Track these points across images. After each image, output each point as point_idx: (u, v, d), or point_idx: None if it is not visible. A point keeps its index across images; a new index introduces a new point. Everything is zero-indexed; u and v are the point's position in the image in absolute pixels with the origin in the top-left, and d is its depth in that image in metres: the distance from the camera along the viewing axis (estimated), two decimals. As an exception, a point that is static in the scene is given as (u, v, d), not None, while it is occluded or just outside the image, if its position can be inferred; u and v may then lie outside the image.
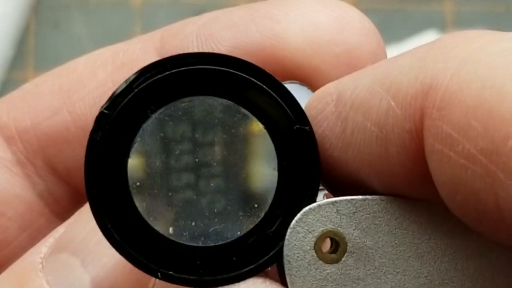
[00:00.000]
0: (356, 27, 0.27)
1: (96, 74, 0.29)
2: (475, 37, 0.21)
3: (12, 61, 0.85)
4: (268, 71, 0.24)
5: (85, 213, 0.27)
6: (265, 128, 0.24)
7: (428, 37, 0.96)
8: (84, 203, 0.28)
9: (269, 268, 0.24)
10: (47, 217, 0.30)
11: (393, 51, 0.93)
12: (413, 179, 0.22)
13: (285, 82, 0.25)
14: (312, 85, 0.27)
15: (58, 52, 0.88)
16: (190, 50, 0.28)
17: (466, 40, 0.21)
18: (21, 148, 0.30)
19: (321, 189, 0.25)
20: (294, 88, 0.25)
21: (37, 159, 0.30)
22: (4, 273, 0.27)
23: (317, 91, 0.25)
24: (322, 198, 0.24)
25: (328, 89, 0.24)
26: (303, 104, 0.24)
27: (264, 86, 0.23)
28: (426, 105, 0.21)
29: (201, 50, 0.28)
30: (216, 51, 0.28)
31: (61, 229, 0.27)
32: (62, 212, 0.31)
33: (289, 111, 0.24)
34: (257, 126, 0.24)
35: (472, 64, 0.20)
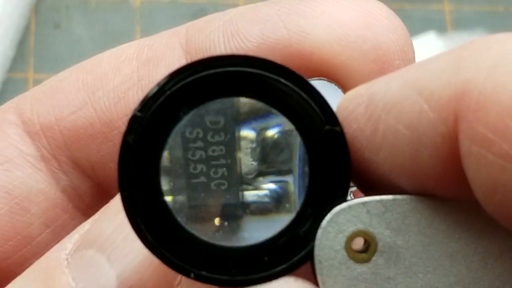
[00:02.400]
0: (384, 23, 0.27)
1: (120, 69, 0.29)
2: (507, 39, 0.21)
3: (12, 61, 0.85)
4: (298, 72, 0.24)
5: (111, 210, 0.27)
6: (296, 128, 0.24)
7: (428, 37, 0.96)
8: (109, 199, 0.28)
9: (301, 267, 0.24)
10: (70, 213, 0.30)
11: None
12: (444, 180, 0.23)
13: (312, 78, 0.25)
14: (339, 82, 0.27)
15: (58, 52, 0.88)
16: (217, 46, 0.28)
17: (498, 42, 0.21)
18: (45, 144, 0.30)
19: (351, 187, 0.25)
20: (321, 85, 0.25)
21: (61, 154, 0.30)
22: (29, 270, 0.27)
23: (348, 93, 0.25)
24: (349, 196, 0.24)
25: (359, 91, 0.24)
26: (331, 101, 0.24)
27: (295, 87, 0.24)
28: (460, 108, 0.21)
29: (227, 46, 0.28)
30: (243, 47, 0.28)
31: (86, 225, 0.27)
32: (86, 207, 0.31)
33: (319, 112, 0.24)
34: (288, 127, 0.24)
35: (505, 65, 0.20)
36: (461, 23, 1.00)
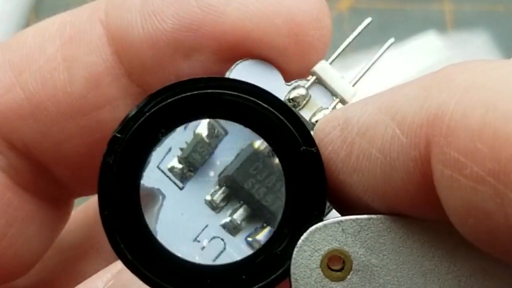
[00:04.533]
0: None
1: (45, 49, 0.29)
2: (477, 66, 0.22)
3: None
4: (274, 94, 0.24)
5: None
6: (273, 149, 0.24)
7: (428, 37, 0.96)
8: (48, 175, 0.30)
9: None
10: (13, 190, 0.30)
11: (393, 51, 0.93)
12: (417, 203, 0.23)
13: (244, 60, 0.26)
14: (265, 59, 0.27)
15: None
16: (134, 27, 0.27)
17: (468, 69, 0.22)
18: None
19: (328, 207, 0.25)
20: (254, 65, 0.25)
21: None
22: None
23: (326, 116, 0.25)
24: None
25: (336, 113, 0.25)
26: (267, 81, 0.25)
27: (271, 109, 0.24)
28: (432, 133, 0.21)
29: (144, 27, 0.27)
30: (160, 28, 0.27)
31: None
32: (27, 184, 0.31)
33: (296, 133, 0.24)
34: (264, 147, 0.24)
35: (474, 91, 0.21)
36: (461, 23, 1.00)
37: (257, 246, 0.25)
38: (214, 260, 0.24)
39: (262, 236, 0.25)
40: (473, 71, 0.22)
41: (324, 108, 0.27)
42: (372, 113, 0.23)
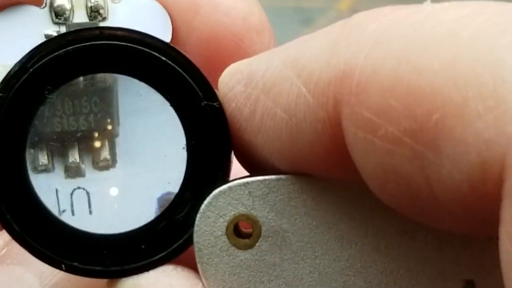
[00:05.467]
0: None
1: None
2: (387, 13, 0.20)
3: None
4: (170, 44, 0.22)
5: None
6: (171, 105, 0.22)
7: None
8: None
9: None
10: None
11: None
12: (328, 167, 0.21)
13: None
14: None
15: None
16: None
17: (378, 18, 0.20)
18: None
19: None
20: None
21: None
22: None
23: (229, 67, 0.23)
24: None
25: (239, 66, 0.22)
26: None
27: (168, 60, 0.22)
28: (341, 92, 0.19)
29: None
30: None
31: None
32: None
33: (195, 86, 0.22)
34: (162, 103, 0.22)
35: (384, 42, 0.19)
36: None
37: (156, 213, 0.22)
38: (110, 228, 0.22)
39: (162, 201, 0.22)
40: (384, 20, 0.19)
41: None
42: (277, 68, 0.21)
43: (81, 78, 0.22)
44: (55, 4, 0.23)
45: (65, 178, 0.23)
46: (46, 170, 0.22)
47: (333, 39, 0.20)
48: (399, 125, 0.18)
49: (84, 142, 0.23)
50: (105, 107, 0.22)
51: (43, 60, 0.22)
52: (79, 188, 0.22)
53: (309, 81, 0.20)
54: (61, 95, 0.22)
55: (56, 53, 0.22)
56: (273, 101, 0.21)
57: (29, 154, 0.22)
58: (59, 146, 0.22)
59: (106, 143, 0.23)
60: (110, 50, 0.22)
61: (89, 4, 0.23)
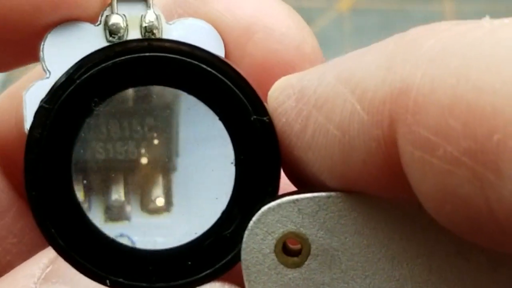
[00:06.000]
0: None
1: None
2: (444, 30, 0.19)
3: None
4: (220, 56, 0.22)
5: None
6: (220, 119, 0.22)
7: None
8: None
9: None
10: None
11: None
12: (381, 186, 0.20)
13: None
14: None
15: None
16: None
17: (435, 34, 0.19)
18: None
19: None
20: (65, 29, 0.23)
21: None
22: None
23: (280, 80, 0.23)
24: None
25: (290, 80, 0.22)
26: (85, 39, 0.22)
27: (217, 73, 0.22)
28: (397, 110, 0.19)
29: None
30: None
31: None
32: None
33: (245, 100, 0.22)
34: (211, 117, 0.22)
35: (442, 59, 0.18)
36: (462, 23, 0.99)
37: (204, 229, 0.22)
38: (156, 244, 0.22)
39: (210, 217, 0.22)
40: (441, 36, 0.19)
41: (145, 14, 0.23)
42: (330, 84, 0.21)
43: (131, 93, 0.22)
44: (110, 23, 0.23)
45: (105, 221, 0.22)
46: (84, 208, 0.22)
47: (388, 55, 0.20)
48: (458, 145, 0.18)
49: (131, 175, 0.22)
50: (161, 132, 0.22)
51: (90, 72, 0.21)
52: (121, 235, 0.22)
53: (364, 98, 0.20)
54: (107, 114, 0.21)
55: (104, 65, 0.21)
56: (326, 117, 0.21)
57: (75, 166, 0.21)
58: (100, 179, 0.22)
59: (160, 179, 0.22)
60: (158, 62, 0.21)
61: (144, 24, 0.23)
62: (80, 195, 0.22)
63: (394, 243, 0.21)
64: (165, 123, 0.22)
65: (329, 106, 0.21)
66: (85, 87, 0.21)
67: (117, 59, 0.21)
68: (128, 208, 0.22)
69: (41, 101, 0.21)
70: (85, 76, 0.21)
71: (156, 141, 0.22)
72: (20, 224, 0.26)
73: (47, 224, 0.21)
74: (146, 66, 0.21)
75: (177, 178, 0.22)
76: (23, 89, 0.22)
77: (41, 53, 0.23)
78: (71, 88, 0.21)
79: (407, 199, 0.20)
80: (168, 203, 0.22)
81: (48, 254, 0.25)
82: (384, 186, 0.21)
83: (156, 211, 0.22)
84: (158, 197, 0.22)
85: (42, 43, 0.22)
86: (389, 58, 0.20)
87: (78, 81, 0.21)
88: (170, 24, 0.23)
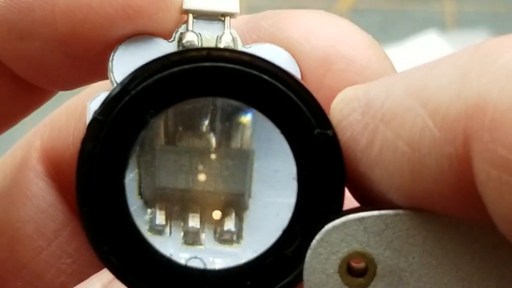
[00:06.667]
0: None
1: None
2: None
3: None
4: (282, 67, 0.21)
5: None
6: (282, 132, 0.21)
7: (428, 37, 0.95)
8: None
9: None
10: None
11: (393, 50, 0.91)
12: (452, 205, 0.19)
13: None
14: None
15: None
16: None
17: (510, 48, 0.18)
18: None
19: None
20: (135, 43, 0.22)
21: None
22: None
23: (344, 91, 0.21)
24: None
25: (356, 92, 0.21)
26: (154, 51, 0.22)
27: (279, 84, 0.20)
28: (472, 127, 0.18)
29: None
30: None
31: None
32: None
33: (308, 113, 0.21)
34: (273, 130, 0.21)
35: None
36: (462, 24, 0.99)
37: (264, 247, 0.21)
38: (214, 263, 0.21)
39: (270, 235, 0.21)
40: None
41: (221, 34, 0.23)
42: (399, 97, 0.20)
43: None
44: (184, 40, 0.22)
45: (181, 244, 0.21)
46: (161, 232, 0.21)
47: (462, 68, 0.19)
48: None
49: (207, 206, 0.21)
50: (236, 171, 0.21)
51: (146, 82, 0.20)
52: (196, 257, 0.21)
53: (436, 114, 0.19)
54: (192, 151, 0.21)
55: (160, 75, 0.20)
56: (394, 132, 0.20)
57: (144, 212, 0.21)
58: (179, 206, 0.21)
59: (233, 214, 0.21)
60: (218, 72, 0.20)
61: (219, 45, 0.22)
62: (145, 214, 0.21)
63: (465, 264, 0.20)
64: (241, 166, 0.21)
65: (398, 121, 0.20)
66: (140, 98, 0.20)
67: (174, 69, 0.20)
68: (203, 236, 0.22)
69: (94, 112, 0.20)
70: (140, 86, 0.20)
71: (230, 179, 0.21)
72: (75, 244, 0.25)
73: (99, 241, 0.20)
74: (204, 76, 0.20)
75: (249, 215, 0.21)
76: (81, 105, 0.21)
77: (110, 63, 0.22)
78: (125, 99, 0.20)
79: (479, 219, 0.20)
80: (239, 236, 0.22)
81: (101, 279, 0.24)
82: (455, 205, 0.20)
83: (228, 241, 0.22)
84: (229, 229, 0.22)
85: (112, 54, 0.21)
86: (463, 72, 0.19)
87: (132, 92, 0.20)
88: (247, 48, 0.22)
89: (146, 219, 0.21)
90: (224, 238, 0.21)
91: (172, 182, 0.21)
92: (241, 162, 0.21)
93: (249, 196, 0.21)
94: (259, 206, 0.21)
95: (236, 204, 0.21)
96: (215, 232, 0.22)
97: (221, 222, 0.21)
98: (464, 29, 0.97)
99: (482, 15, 1.00)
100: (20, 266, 0.29)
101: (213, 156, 0.21)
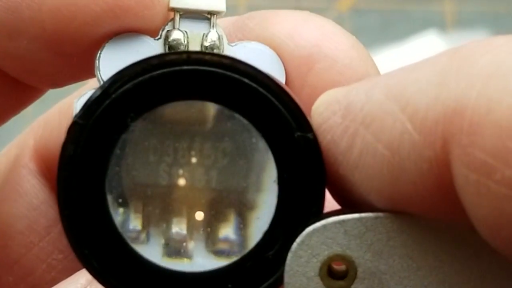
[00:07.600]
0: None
1: None
2: (501, 45, 0.18)
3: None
4: (262, 70, 0.21)
5: None
6: (262, 135, 0.21)
7: (428, 37, 0.94)
8: None
9: None
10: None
11: (393, 51, 0.91)
12: (431, 208, 0.20)
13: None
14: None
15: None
16: None
17: (491, 49, 0.18)
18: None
19: None
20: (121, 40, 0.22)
21: None
22: None
23: (324, 95, 0.21)
24: None
25: (337, 95, 0.21)
26: (142, 49, 0.22)
27: (259, 88, 0.21)
28: (451, 131, 0.18)
29: None
30: None
31: None
32: None
33: (288, 116, 0.21)
34: (252, 133, 0.21)
35: (499, 77, 0.17)
36: (462, 24, 0.98)
37: (244, 251, 0.21)
38: (195, 266, 0.21)
39: (251, 238, 0.21)
40: (497, 52, 0.18)
41: (207, 32, 0.23)
42: (379, 100, 0.20)
43: (198, 107, 0.20)
44: (171, 38, 0.22)
45: (162, 256, 0.21)
46: (137, 239, 0.20)
47: (440, 71, 0.19)
48: None
49: (197, 207, 0.21)
50: (240, 160, 0.21)
51: (126, 86, 0.20)
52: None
53: (415, 118, 0.19)
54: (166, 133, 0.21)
55: (141, 78, 0.20)
56: (374, 136, 0.20)
57: (115, 211, 0.20)
58: (159, 207, 0.21)
59: (233, 216, 0.21)
60: (198, 75, 0.20)
61: (205, 43, 0.22)
62: (118, 215, 0.21)
63: (445, 266, 0.20)
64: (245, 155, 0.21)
65: (377, 124, 0.20)
66: (121, 102, 0.20)
67: (154, 73, 0.20)
68: (191, 245, 0.21)
69: (75, 116, 0.20)
70: (121, 90, 0.20)
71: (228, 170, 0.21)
72: (66, 240, 0.25)
73: (80, 245, 0.20)
74: (185, 79, 0.20)
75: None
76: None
77: (96, 61, 0.22)
78: (106, 102, 0.20)
79: (459, 221, 0.20)
80: (241, 246, 0.21)
81: (86, 274, 0.24)
82: (435, 208, 0.20)
83: (224, 252, 0.21)
84: (227, 235, 0.21)
85: (99, 52, 0.22)
86: (442, 75, 0.19)
87: (113, 96, 0.20)
88: (232, 46, 0.22)
89: (119, 220, 0.21)
90: (218, 249, 0.21)
91: (151, 176, 0.21)
92: (241, 145, 0.21)
93: (258, 190, 0.21)
94: None
95: (237, 203, 0.21)
96: (206, 241, 0.21)
97: (215, 227, 0.21)
98: (464, 29, 0.97)
99: (482, 15, 1.00)
100: (11, 261, 0.29)
101: (205, 138, 0.21)
